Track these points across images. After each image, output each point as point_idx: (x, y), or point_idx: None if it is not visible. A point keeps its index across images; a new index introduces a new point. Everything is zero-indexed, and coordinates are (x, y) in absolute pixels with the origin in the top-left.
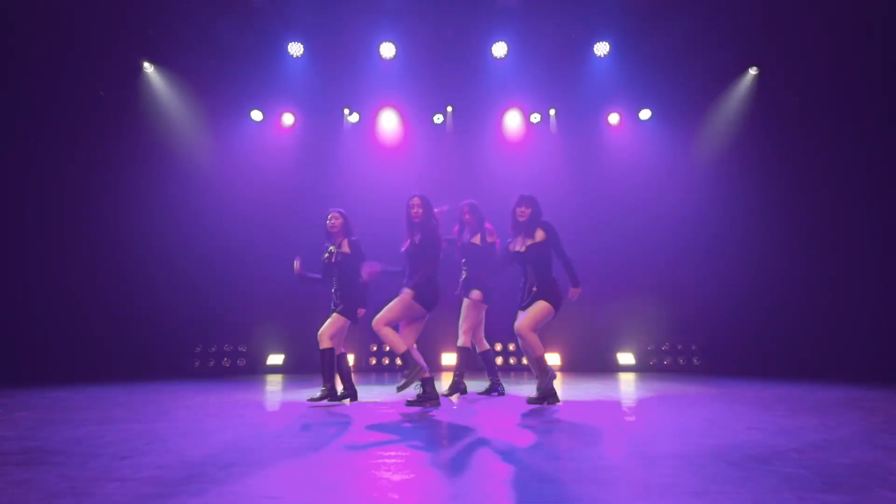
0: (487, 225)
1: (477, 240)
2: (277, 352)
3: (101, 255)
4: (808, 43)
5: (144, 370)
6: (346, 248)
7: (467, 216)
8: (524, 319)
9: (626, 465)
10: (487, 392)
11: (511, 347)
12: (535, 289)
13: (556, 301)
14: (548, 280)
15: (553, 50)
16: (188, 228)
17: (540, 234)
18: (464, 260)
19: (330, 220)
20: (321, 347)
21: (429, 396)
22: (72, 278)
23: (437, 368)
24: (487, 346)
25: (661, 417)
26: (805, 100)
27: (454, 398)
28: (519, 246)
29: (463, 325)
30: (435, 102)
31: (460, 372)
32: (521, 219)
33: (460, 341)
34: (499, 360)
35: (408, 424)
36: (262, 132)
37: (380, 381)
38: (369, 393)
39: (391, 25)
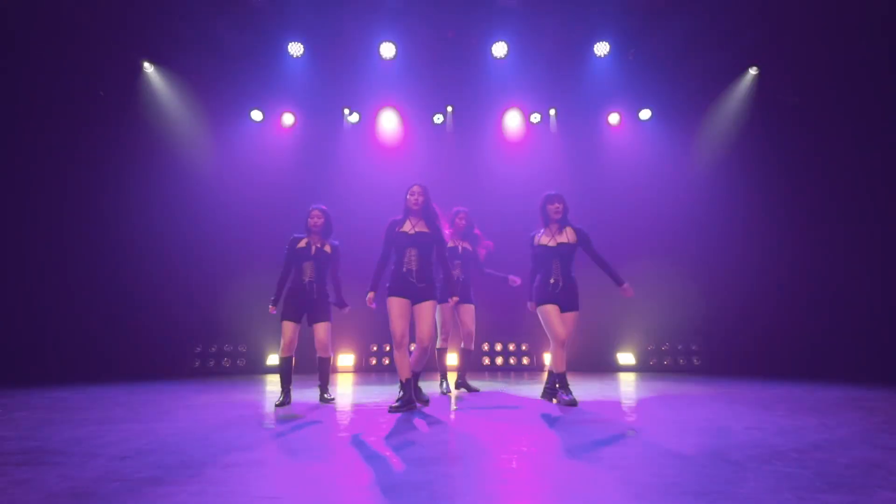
0: (476, 231)
1: (468, 245)
2: (277, 352)
3: (101, 255)
4: (808, 43)
5: (144, 370)
6: (327, 249)
7: (463, 222)
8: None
9: (627, 465)
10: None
11: (511, 347)
12: (561, 284)
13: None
14: (574, 279)
15: (553, 50)
16: (188, 228)
17: (570, 235)
18: (458, 262)
19: (313, 217)
20: (325, 356)
21: (409, 399)
22: (72, 278)
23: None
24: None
25: (661, 417)
26: (805, 100)
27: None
28: (548, 241)
29: (472, 328)
30: (435, 102)
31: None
32: (555, 216)
33: (470, 344)
34: (499, 361)
35: (407, 422)
36: (262, 132)
37: (380, 381)
38: (369, 393)
39: (391, 25)
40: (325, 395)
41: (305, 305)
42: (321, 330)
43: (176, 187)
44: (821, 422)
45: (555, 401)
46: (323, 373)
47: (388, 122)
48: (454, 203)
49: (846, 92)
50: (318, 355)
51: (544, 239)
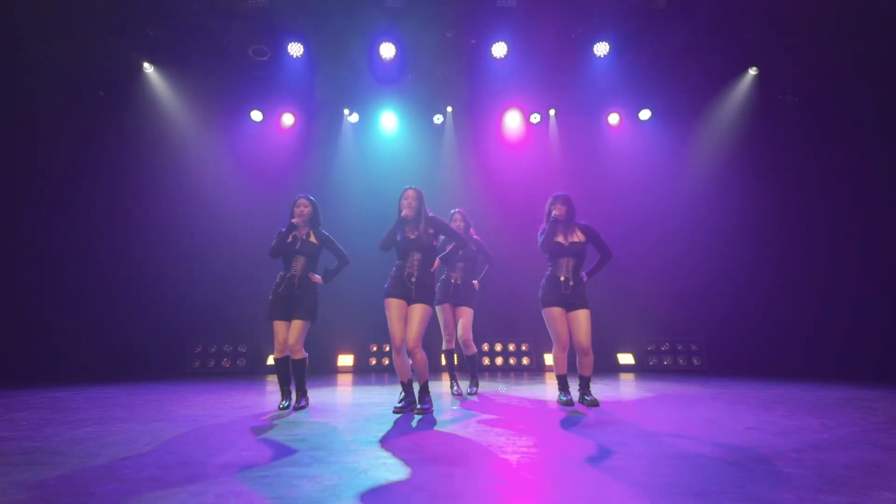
0: (472, 231)
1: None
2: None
3: (101, 256)
4: (808, 43)
5: (144, 370)
6: (313, 239)
7: (461, 223)
8: (585, 336)
9: (627, 465)
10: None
11: (511, 347)
12: (572, 283)
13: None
14: (582, 279)
15: (553, 50)
16: (188, 229)
17: (580, 235)
18: (461, 265)
19: (299, 206)
20: (297, 357)
21: (413, 400)
22: (72, 278)
23: (433, 370)
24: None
25: (662, 417)
26: (805, 100)
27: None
28: (562, 240)
29: (470, 331)
30: (435, 102)
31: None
32: (559, 216)
33: (472, 349)
34: (498, 361)
35: (408, 423)
36: (262, 132)
37: (379, 382)
38: (368, 394)
39: (391, 25)
40: (298, 403)
41: (289, 300)
42: (295, 328)
43: (175, 188)
44: (821, 422)
45: (588, 399)
46: (297, 377)
47: (388, 123)
48: (454, 204)
49: (846, 91)
50: (290, 356)
51: (559, 238)
